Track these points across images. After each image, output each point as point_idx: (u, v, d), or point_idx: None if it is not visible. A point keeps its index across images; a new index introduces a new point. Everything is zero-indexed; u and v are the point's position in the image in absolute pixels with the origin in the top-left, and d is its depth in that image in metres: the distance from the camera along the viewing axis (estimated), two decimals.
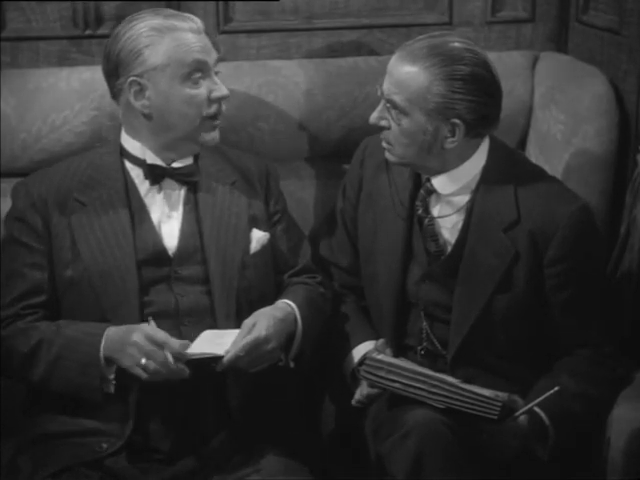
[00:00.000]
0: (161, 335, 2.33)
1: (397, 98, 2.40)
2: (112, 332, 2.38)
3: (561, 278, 2.46)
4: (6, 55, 2.92)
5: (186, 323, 2.44)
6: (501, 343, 2.49)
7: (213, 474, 2.43)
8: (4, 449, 2.51)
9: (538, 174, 2.55)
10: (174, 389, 2.41)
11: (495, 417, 2.29)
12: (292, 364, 2.47)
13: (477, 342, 2.49)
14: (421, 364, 2.48)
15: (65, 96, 2.82)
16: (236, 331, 2.38)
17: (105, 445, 2.40)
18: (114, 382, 2.39)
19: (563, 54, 3.08)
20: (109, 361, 2.37)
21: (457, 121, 2.39)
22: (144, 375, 2.33)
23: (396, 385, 2.38)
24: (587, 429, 2.45)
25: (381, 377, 2.40)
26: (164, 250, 2.47)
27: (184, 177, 2.50)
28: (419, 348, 2.56)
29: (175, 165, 2.50)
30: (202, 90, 2.44)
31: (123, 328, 2.37)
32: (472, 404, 2.31)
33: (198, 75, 2.43)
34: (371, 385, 2.47)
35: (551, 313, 2.48)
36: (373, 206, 2.62)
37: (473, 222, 2.48)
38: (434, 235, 2.52)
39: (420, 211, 2.52)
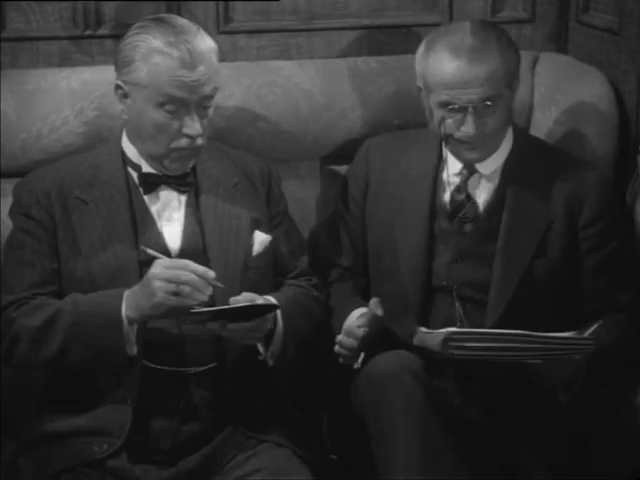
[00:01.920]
0: (181, 260, 2.33)
1: (493, 91, 2.45)
2: (131, 289, 2.36)
3: (595, 239, 2.53)
4: (6, 55, 2.91)
5: (187, 322, 2.44)
6: (538, 314, 2.52)
7: (213, 474, 2.43)
8: (4, 450, 2.51)
9: (554, 146, 2.72)
10: (174, 389, 2.43)
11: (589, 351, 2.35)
12: (271, 362, 2.46)
13: (517, 312, 2.50)
14: None
15: (65, 96, 2.81)
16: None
17: (105, 446, 2.40)
18: (135, 345, 2.37)
19: (563, 54, 3.08)
20: (131, 322, 2.35)
21: (517, 78, 2.53)
22: (183, 302, 2.29)
23: (490, 353, 2.35)
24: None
25: (473, 348, 2.35)
26: (167, 251, 2.46)
27: (179, 186, 2.49)
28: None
29: (171, 173, 2.49)
30: (174, 122, 2.41)
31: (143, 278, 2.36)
32: (567, 348, 2.35)
33: (171, 108, 2.40)
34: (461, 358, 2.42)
35: (583, 278, 2.55)
36: (386, 200, 2.63)
37: (509, 194, 2.55)
38: (476, 216, 2.57)
39: (463, 197, 2.58)
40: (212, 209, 2.51)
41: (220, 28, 3.00)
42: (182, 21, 2.46)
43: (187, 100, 2.40)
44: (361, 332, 2.46)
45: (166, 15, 2.50)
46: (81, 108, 2.81)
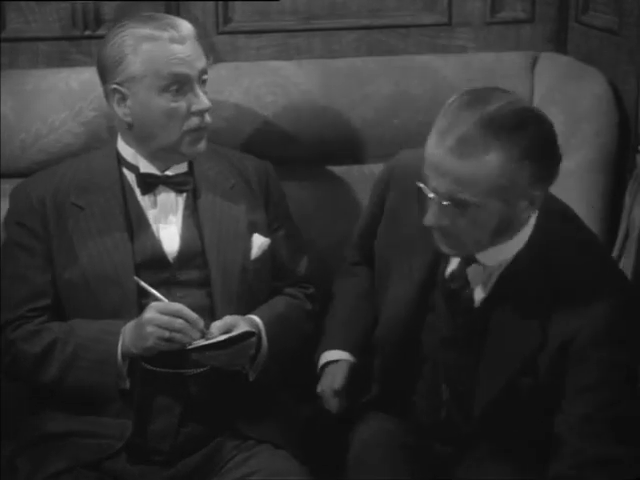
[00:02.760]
0: (174, 305, 2.34)
1: (465, 196, 2.03)
2: (128, 325, 2.38)
3: (584, 372, 2.13)
4: (5, 56, 2.92)
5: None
6: (522, 426, 2.25)
7: (212, 475, 2.43)
8: (3, 450, 2.51)
9: (584, 247, 2.20)
10: (173, 390, 2.42)
11: None
12: (252, 377, 2.46)
13: (500, 420, 2.25)
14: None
15: (64, 97, 2.82)
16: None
17: (104, 446, 2.40)
18: (128, 379, 2.39)
19: (562, 55, 3.07)
20: (125, 357, 2.37)
21: (537, 193, 2.06)
22: (173, 347, 2.33)
23: None
24: None
25: None
26: (163, 254, 2.46)
27: (177, 186, 2.49)
28: (442, 414, 2.35)
29: (169, 173, 2.49)
30: (181, 103, 2.41)
31: (138, 317, 2.37)
32: None
33: (175, 87, 2.40)
34: None
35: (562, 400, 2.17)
36: (394, 233, 2.37)
37: (504, 297, 2.19)
38: (470, 307, 2.24)
39: (457, 286, 2.24)
40: (210, 211, 2.50)
41: (219, 28, 3.00)
42: (155, 13, 2.49)
43: (188, 76, 2.40)
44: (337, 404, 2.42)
45: (137, 14, 2.50)
46: (80, 108, 2.82)
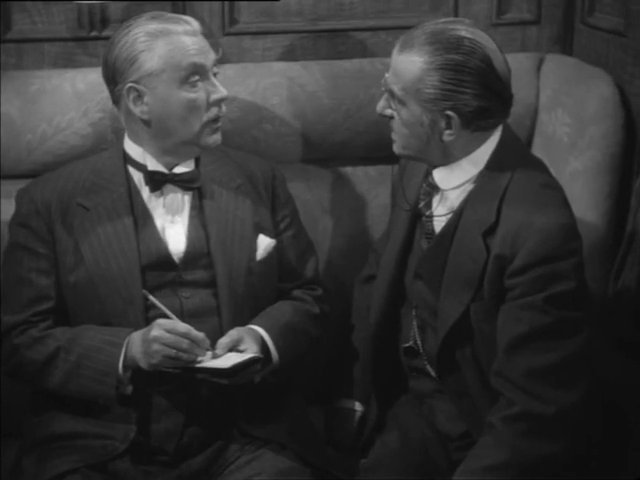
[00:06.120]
0: (182, 326, 2.34)
1: (395, 88, 2.31)
2: (133, 337, 2.38)
3: (519, 290, 2.27)
4: (11, 56, 2.92)
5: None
6: (477, 358, 2.37)
7: (216, 476, 2.43)
8: (7, 450, 2.51)
9: (535, 179, 2.36)
10: (178, 392, 2.42)
11: None
12: (257, 379, 2.45)
13: (456, 350, 2.38)
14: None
15: (70, 98, 2.81)
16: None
17: (109, 448, 2.40)
18: (130, 385, 2.39)
19: (568, 56, 3.07)
20: (127, 368, 2.38)
21: (451, 113, 2.27)
22: (177, 364, 2.33)
23: None
24: None
25: None
26: (168, 255, 2.46)
27: (185, 183, 2.49)
28: (405, 345, 2.50)
29: (176, 171, 2.49)
30: (201, 94, 2.42)
31: (144, 330, 2.37)
32: None
33: (195, 78, 2.41)
34: None
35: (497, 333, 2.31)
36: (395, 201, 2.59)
37: (460, 224, 2.35)
38: (429, 233, 2.43)
39: (422, 205, 2.43)
40: (216, 211, 2.50)
41: (225, 29, 2.99)
42: (157, 12, 2.49)
43: (205, 66, 2.42)
44: None
45: (139, 15, 2.49)
46: (86, 109, 2.81)
